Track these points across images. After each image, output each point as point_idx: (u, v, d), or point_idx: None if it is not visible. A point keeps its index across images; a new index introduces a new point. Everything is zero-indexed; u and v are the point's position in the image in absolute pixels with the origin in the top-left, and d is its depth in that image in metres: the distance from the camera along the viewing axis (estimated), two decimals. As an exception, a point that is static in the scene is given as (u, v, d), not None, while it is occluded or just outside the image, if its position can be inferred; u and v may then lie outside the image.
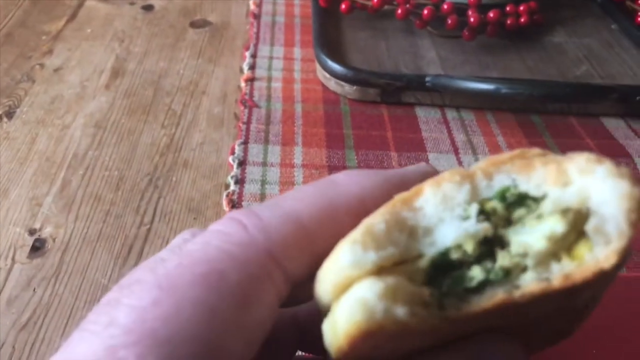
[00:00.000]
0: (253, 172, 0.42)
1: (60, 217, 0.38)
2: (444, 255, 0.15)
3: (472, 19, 0.55)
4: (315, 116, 0.49)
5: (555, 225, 0.14)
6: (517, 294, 0.14)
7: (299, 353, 0.23)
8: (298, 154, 0.45)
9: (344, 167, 0.44)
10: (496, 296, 0.14)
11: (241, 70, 0.54)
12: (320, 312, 0.16)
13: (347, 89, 0.50)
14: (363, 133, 0.48)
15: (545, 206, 0.15)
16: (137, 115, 0.47)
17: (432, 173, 0.18)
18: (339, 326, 0.14)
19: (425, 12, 0.55)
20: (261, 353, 0.21)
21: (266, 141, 0.46)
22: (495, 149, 0.47)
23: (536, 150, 0.16)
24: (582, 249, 0.14)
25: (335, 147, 0.46)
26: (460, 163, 0.45)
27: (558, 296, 0.14)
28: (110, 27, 0.59)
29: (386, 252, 0.14)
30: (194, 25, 0.61)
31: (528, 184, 0.15)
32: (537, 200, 0.15)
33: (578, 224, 0.14)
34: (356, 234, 0.14)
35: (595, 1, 0.68)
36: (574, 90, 0.49)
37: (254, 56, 0.55)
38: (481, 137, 0.48)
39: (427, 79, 0.49)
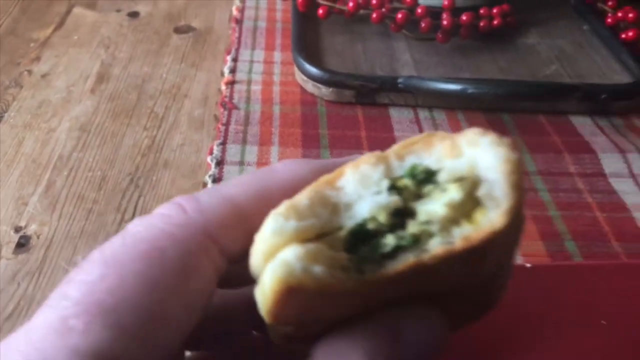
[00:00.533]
0: (230, 171, 0.44)
1: (45, 216, 0.40)
2: (361, 226, 0.16)
3: (445, 22, 0.57)
4: (292, 117, 0.51)
5: (453, 193, 0.16)
6: (425, 257, 0.16)
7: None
8: (274, 154, 0.47)
9: (318, 166, 0.46)
10: (408, 260, 0.16)
11: (222, 74, 0.56)
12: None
13: (324, 91, 0.53)
14: (338, 133, 0.50)
15: (442, 176, 0.17)
16: (121, 118, 0.49)
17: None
18: (266, 287, 0.16)
19: (400, 16, 0.57)
20: (219, 334, 0.23)
21: (244, 141, 0.48)
22: (464, 146, 0.49)
23: (440, 133, 0.18)
24: (478, 214, 0.16)
25: (311, 147, 0.48)
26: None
27: (464, 260, 0.16)
28: (97, 34, 0.61)
29: (307, 223, 0.16)
30: (178, 31, 0.63)
31: (430, 159, 0.17)
32: (437, 172, 0.17)
33: (473, 192, 0.16)
34: (281, 208, 0.16)
35: (569, 3, 0.70)
36: (537, 89, 0.51)
37: (235, 60, 0.57)
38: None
39: (400, 80, 0.51)
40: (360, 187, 0.17)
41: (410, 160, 0.17)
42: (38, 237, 0.38)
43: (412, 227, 0.16)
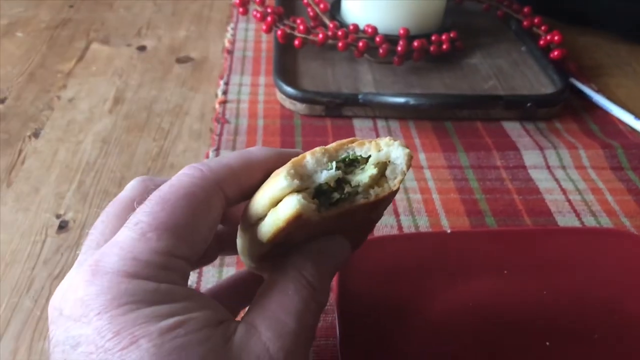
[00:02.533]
0: (223, 170, 0.56)
1: (79, 206, 0.51)
2: (320, 187, 0.28)
3: (399, 48, 0.69)
4: (273, 128, 0.63)
5: (373, 171, 0.28)
6: (354, 204, 0.27)
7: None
8: (258, 157, 0.58)
9: (292, 165, 0.57)
10: (345, 206, 0.27)
11: (216, 95, 0.67)
12: (240, 228, 0.29)
13: (299, 107, 0.64)
14: (310, 140, 0.61)
15: (370, 161, 0.28)
16: (134, 132, 0.61)
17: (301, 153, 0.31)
18: (280, 216, 0.27)
19: (361, 44, 0.69)
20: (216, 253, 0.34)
21: (234, 148, 0.59)
22: (411, 147, 0.60)
23: (359, 139, 0.29)
24: (384, 183, 0.28)
25: (288, 151, 0.59)
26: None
27: (371, 207, 0.28)
28: (111, 65, 0.73)
29: (297, 182, 0.27)
30: (179, 61, 0.75)
31: (361, 151, 0.29)
32: (365, 160, 0.29)
33: (383, 171, 0.28)
34: (284, 172, 0.27)
35: (511, 28, 0.82)
36: (465, 99, 0.63)
37: (227, 84, 0.69)
38: (402, 139, 0.62)
39: (360, 96, 0.63)
40: (316, 165, 0.28)
41: (342, 153, 0.29)
42: (74, 221, 0.50)
43: (348, 189, 0.28)
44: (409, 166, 0.28)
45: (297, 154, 0.31)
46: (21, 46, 0.76)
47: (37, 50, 0.75)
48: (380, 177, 0.28)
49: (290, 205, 0.26)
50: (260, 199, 0.28)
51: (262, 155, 0.30)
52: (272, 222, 0.27)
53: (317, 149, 0.28)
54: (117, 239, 0.25)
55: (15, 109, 0.64)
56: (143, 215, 0.25)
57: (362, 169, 0.28)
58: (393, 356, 0.39)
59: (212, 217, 0.27)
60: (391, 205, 0.53)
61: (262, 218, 0.28)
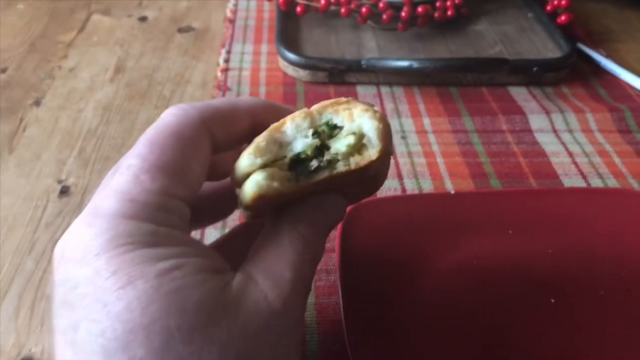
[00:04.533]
0: (225, 136, 0.55)
1: (80, 171, 0.51)
2: (297, 156, 0.27)
3: (404, 14, 0.68)
4: (275, 95, 0.62)
5: (350, 140, 0.27)
6: (334, 172, 0.27)
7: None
8: (260, 123, 0.58)
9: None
10: (324, 174, 0.27)
11: (218, 64, 0.67)
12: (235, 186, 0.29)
13: (301, 73, 0.64)
14: (313, 106, 0.60)
15: (344, 131, 0.28)
16: (136, 100, 0.61)
17: (293, 109, 0.31)
18: (246, 194, 0.27)
19: (364, 10, 0.68)
20: (214, 212, 0.34)
21: (236, 114, 0.59)
22: (416, 113, 0.60)
23: (343, 99, 0.28)
24: (364, 151, 0.27)
25: (290, 117, 0.59)
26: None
27: (355, 173, 0.27)
28: (113, 36, 0.72)
29: (266, 157, 0.27)
30: (181, 30, 0.74)
31: (337, 119, 0.28)
32: (341, 128, 0.28)
33: (361, 139, 0.27)
34: (250, 148, 0.27)
35: (517, -6, 0.80)
36: (469, 62, 0.61)
37: (228, 52, 0.69)
38: (406, 105, 0.61)
39: (363, 62, 0.62)
40: (296, 132, 0.27)
41: (326, 115, 0.28)
42: (76, 186, 0.50)
43: (327, 156, 0.27)
44: (383, 139, 0.27)
45: (286, 110, 0.30)
46: (22, 17, 0.76)
47: (38, 21, 0.75)
48: (361, 144, 0.27)
49: (251, 186, 0.26)
50: (236, 169, 0.27)
51: (249, 102, 0.30)
52: (243, 197, 0.27)
53: (298, 112, 0.28)
54: (113, 184, 0.25)
55: (16, 78, 0.64)
56: (133, 158, 0.25)
57: (343, 136, 0.28)
58: (396, 314, 0.38)
59: (202, 154, 0.27)
60: (394, 168, 0.52)
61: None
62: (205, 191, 0.32)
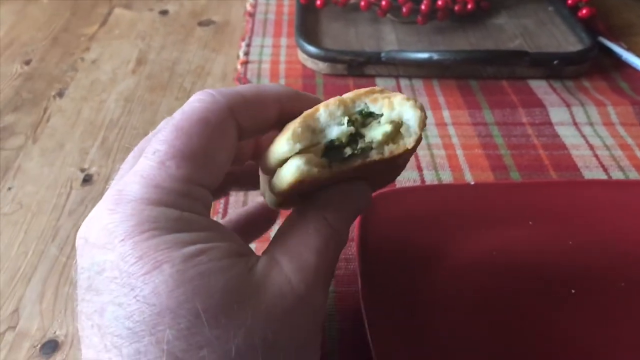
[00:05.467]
0: (244, 127, 0.56)
1: (102, 161, 0.52)
2: (331, 143, 0.27)
3: (423, 7, 0.68)
4: (294, 87, 0.62)
5: (387, 128, 0.27)
6: (367, 160, 0.27)
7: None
8: (280, 114, 0.58)
9: (314, 121, 0.57)
10: (357, 161, 0.27)
11: (238, 57, 0.67)
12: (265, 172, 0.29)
13: (321, 66, 0.64)
14: (332, 98, 0.61)
15: (383, 119, 0.28)
16: (157, 91, 0.61)
17: (319, 98, 0.31)
18: (283, 180, 0.27)
19: (384, 3, 0.68)
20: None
21: (255, 106, 0.59)
22: (435, 105, 0.60)
23: (378, 88, 0.29)
24: (399, 140, 0.27)
25: (309, 109, 0.59)
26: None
27: (387, 161, 0.27)
28: (134, 29, 0.73)
29: (303, 143, 0.27)
30: (201, 24, 0.75)
31: (375, 108, 0.28)
32: (379, 116, 0.28)
33: (398, 128, 0.27)
34: (287, 134, 0.27)
35: (538, -12, 0.80)
36: (490, 54, 0.61)
37: (248, 45, 0.69)
38: (425, 97, 0.61)
39: (382, 54, 0.62)
40: (329, 119, 0.27)
41: (359, 104, 0.28)
42: (98, 175, 0.50)
43: (361, 144, 0.27)
44: (422, 128, 0.27)
45: (314, 100, 0.30)
46: (45, 11, 0.77)
47: (61, 16, 0.76)
48: (396, 133, 0.27)
49: (291, 171, 0.26)
50: (270, 155, 0.28)
51: (275, 89, 0.30)
52: (279, 182, 0.27)
53: (332, 100, 0.28)
54: (137, 168, 0.25)
55: (40, 70, 0.65)
56: (159, 144, 0.25)
57: (379, 122, 0.28)
58: (415, 302, 0.38)
59: (228, 142, 0.27)
60: (414, 160, 0.52)
61: (275, 172, 0.28)
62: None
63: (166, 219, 0.24)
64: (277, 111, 0.29)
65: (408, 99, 0.27)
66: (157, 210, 0.24)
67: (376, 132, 0.27)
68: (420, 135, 0.27)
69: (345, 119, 0.27)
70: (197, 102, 0.27)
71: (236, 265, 0.24)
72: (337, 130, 0.27)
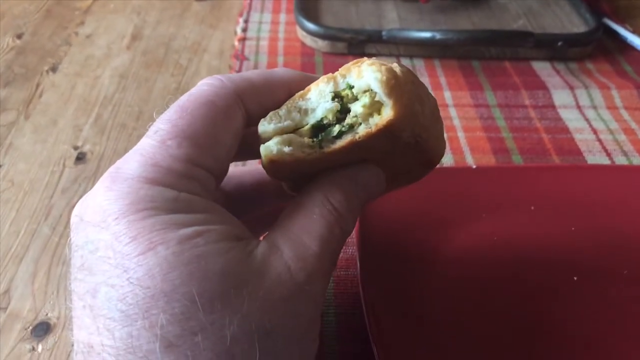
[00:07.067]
0: (242, 106, 0.55)
1: (96, 138, 0.51)
2: (319, 122, 0.26)
3: (426, -15, 0.67)
4: (293, 65, 0.61)
5: (365, 99, 0.25)
6: (356, 136, 0.25)
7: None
8: (278, 93, 0.57)
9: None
10: (347, 139, 0.26)
11: (235, 33, 0.66)
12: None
13: (320, 44, 0.62)
14: (332, 77, 0.59)
15: (355, 90, 0.26)
16: (152, 68, 0.60)
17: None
18: (262, 157, 0.26)
19: (385, -20, 0.67)
20: (255, 204, 0.33)
21: (253, 84, 0.58)
22: (437, 86, 0.58)
23: (365, 58, 0.26)
24: (382, 111, 0.25)
25: (308, 88, 0.58)
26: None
27: (381, 136, 0.25)
28: (130, 3, 0.71)
29: (283, 124, 0.26)
30: (198, -1, 0.73)
31: (350, 79, 0.26)
32: (353, 87, 0.26)
33: (374, 98, 0.25)
34: (269, 114, 0.26)
35: (542, -32, 0.78)
36: (493, 34, 0.60)
37: (246, 21, 0.68)
38: (427, 77, 0.60)
39: (383, 32, 0.61)
40: (319, 98, 0.26)
41: (348, 78, 0.26)
42: (92, 153, 0.49)
43: (348, 120, 0.26)
44: (392, 94, 0.24)
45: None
46: (38, -17, 0.75)
47: (54, -13, 0.74)
48: (380, 104, 0.25)
49: (262, 150, 0.26)
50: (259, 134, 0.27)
51: (285, 75, 0.29)
52: (262, 160, 0.27)
53: (322, 78, 0.26)
54: (138, 146, 0.25)
55: (32, 44, 0.63)
56: (162, 123, 0.25)
57: (356, 96, 0.26)
58: (414, 287, 0.38)
59: (233, 127, 0.26)
60: (414, 142, 0.51)
61: None
62: (247, 181, 0.33)
63: (163, 198, 0.23)
64: (287, 97, 0.28)
65: (372, 64, 0.25)
66: (154, 190, 0.23)
67: (357, 105, 0.25)
68: (401, 103, 0.24)
69: (330, 96, 0.26)
70: (205, 85, 0.27)
71: (234, 249, 0.23)
72: (323, 109, 0.26)
